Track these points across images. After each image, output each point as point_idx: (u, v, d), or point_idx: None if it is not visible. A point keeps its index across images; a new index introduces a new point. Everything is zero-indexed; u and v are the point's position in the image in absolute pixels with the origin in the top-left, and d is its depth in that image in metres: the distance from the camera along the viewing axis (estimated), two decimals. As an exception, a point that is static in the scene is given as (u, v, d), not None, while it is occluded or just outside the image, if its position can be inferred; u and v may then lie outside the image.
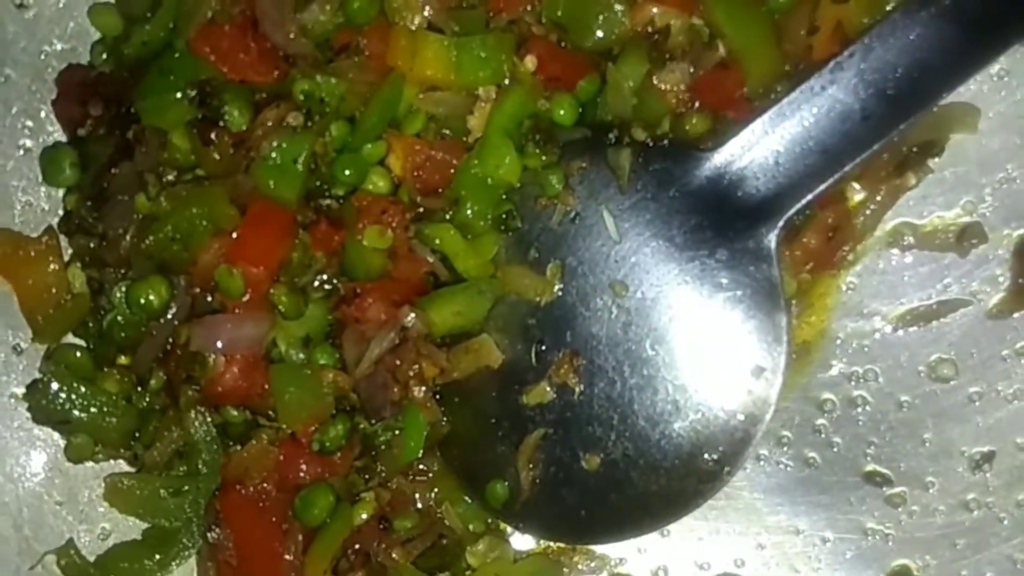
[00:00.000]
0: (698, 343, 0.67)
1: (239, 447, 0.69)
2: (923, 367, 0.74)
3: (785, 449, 0.75)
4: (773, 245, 0.66)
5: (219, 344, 0.67)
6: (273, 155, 0.67)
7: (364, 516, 0.69)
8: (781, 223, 0.66)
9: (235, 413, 0.69)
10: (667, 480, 0.68)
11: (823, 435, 0.74)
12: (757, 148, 0.67)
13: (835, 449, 0.74)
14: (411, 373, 0.69)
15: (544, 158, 0.69)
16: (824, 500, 0.74)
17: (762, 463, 0.75)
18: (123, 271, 0.70)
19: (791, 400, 0.74)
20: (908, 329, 0.74)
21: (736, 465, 0.67)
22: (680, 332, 0.67)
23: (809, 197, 0.66)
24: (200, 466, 0.69)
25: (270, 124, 0.68)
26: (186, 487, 0.69)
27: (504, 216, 0.70)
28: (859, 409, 0.74)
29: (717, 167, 0.67)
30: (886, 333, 0.74)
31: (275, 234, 0.68)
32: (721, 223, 0.67)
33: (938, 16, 0.64)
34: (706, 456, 0.67)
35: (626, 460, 0.68)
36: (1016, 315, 0.72)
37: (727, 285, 0.67)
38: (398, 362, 0.69)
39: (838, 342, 0.74)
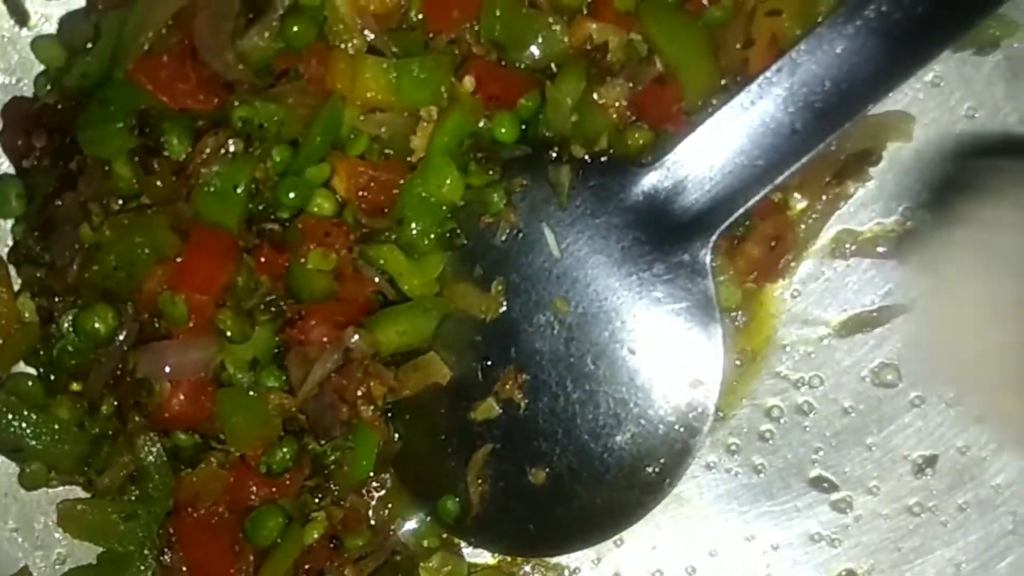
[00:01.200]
0: (638, 357, 0.68)
1: (190, 470, 0.70)
2: (867, 373, 0.74)
3: (734, 456, 0.75)
4: (708, 259, 0.67)
5: (166, 369, 0.68)
6: (213, 182, 0.68)
7: (316, 535, 0.70)
8: (715, 236, 0.67)
9: (184, 437, 0.69)
10: (611, 492, 0.68)
11: (771, 441, 0.75)
12: (690, 163, 0.67)
13: (783, 455, 0.75)
14: (359, 393, 0.70)
15: (487, 175, 0.70)
16: (773, 507, 0.75)
17: (712, 471, 0.75)
18: (71, 299, 0.71)
19: (739, 407, 0.75)
20: (852, 336, 0.75)
21: (677, 476, 0.68)
22: (620, 346, 0.68)
23: (741, 211, 0.67)
24: (151, 490, 0.70)
25: (209, 151, 0.68)
26: (139, 511, 0.70)
27: (448, 235, 0.71)
28: (805, 415, 0.75)
29: (653, 183, 0.68)
30: (831, 340, 0.75)
31: (218, 260, 0.68)
32: (658, 237, 0.68)
33: (864, 28, 0.65)
34: (648, 468, 0.68)
35: (571, 473, 0.69)
36: (955, 320, 0.73)
37: (664, 299, 0.68)
38: (345, 382, 0.70)
39: (784, 349, 0.75)
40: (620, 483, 0.68)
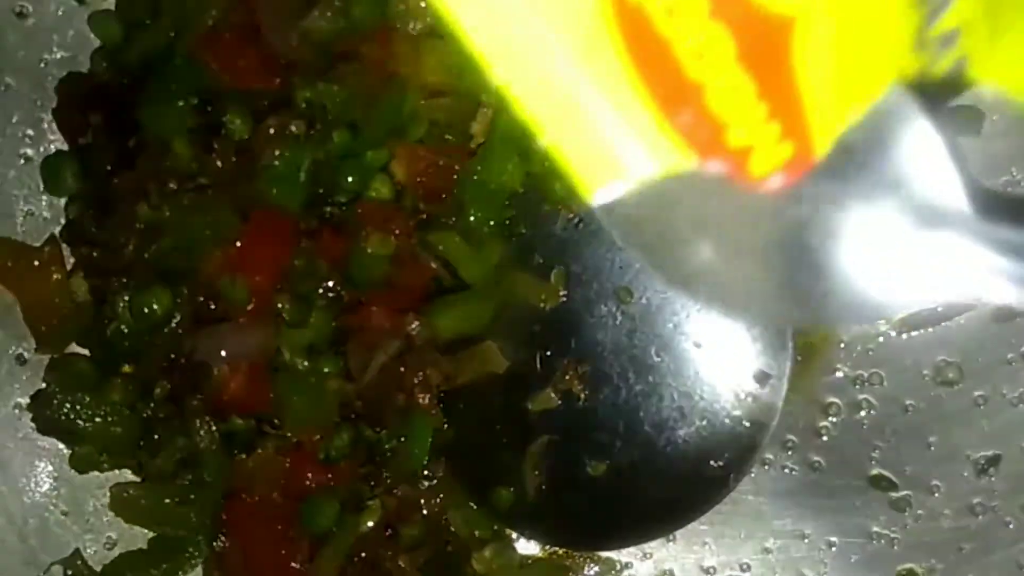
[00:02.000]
0: (703, 349, 0.67)
1: (244, 456, 0.69)
2: (928, 371, 0.74)
3: (790, 453, 0.75)
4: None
5: (223, 353, 0.67)
6: (276, 163, 0.67)
7: (370, 523, 0.69)
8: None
9: (240, 422, 0.68)
10: (673, 487, 0.68)
11: (828, 439, 0.74)
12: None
13: (840, 453, 0.74)
14: (416, 380, 0.69)
15: (547, 164, 0.69)
16: (829, 504, 0.74)
17: (767, 467, 0.75)
18: (126, 280, 0.70)
19: (796, 404, 0.74)
20: (912, 333, 0.74)
21: (742, 472, 0.67)
22: (684, 338, 0.67)
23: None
24: (206, 475, 0.69)
25: (272, 132, 0.67)
26: (192, 496, 0.69)
27: (508, 222, 0.70)
28: (864, 413, 0.74)
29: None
30: (891, 337, 0.74)
31: (278, 242, 0.67)
32: (726, 228, 0.67)
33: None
34: (712, 463, 0.67)
35: (632, 467, 0.68)
36: (1020, 319, 0.72)
37: (732, 291, 0.67)
38: (402, 369, 0.69)
39: (842, 346, 0.74)
40: (683, 478, 0.67)
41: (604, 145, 0.38)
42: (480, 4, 0.37)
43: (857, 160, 0.43)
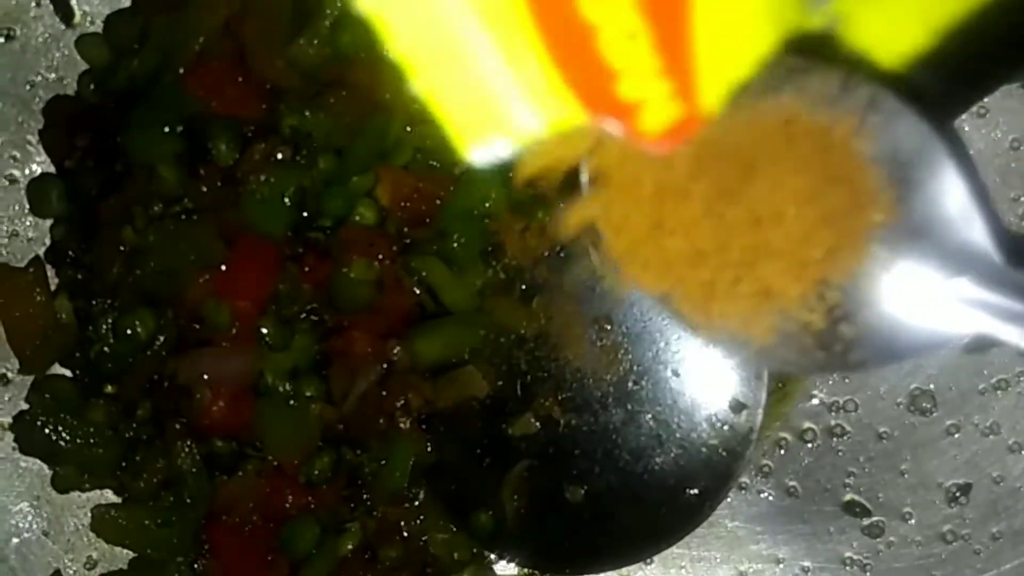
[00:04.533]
0: (680, 378, 0.68)
1: (226, 478, 0.69)
2: (902, 399, 0.75)
3: (767, 478, 0.76)
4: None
5: (206, 377, 0.67)
6: (261, 189, 0.67)
7: (350, 547, 0.70)
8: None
9: (222, 444, 0.69)
10: (650, 513, 0.69)
11: (804, 464, 0.76)
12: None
13: (815, 479, 0.75)
14: (398, 405, 0.70)
15: (530, 190, 0.70)
16: (804, 529, 0.75)
17: (744, 492, 0.76)
18: (110, 302, 0.70)
19: (773, 429, 0.75)
20: (887, 361, 0.75)
21: (718, 499, 0.68)
22: (662, 367, 0.68)
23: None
24: (187, 496, 0.69)
25: (258, 158, 0.68)
26: (173, 517, 0.69)
27: (490, 248, 0.71)
28: (839, 439, 0.75)
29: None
30: (866, 365, 0.75)
31: (263, 268, 0.68)
32: (704, 259, 0.68)
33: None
34: (688, 491, 0.68)
35: (609, 493, 0.69)
36: (993, 350, 0.73)
37: (709, 321, 0.68)
38: (384, 393, 0.70)
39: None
40: (660, 505, 0.68)
41: (488, 95, 0.36)
42: None
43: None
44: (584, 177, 0.48)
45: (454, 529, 0.72)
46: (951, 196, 0.44)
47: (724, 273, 0.45)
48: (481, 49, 0.35)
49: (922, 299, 0.44)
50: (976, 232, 0.44)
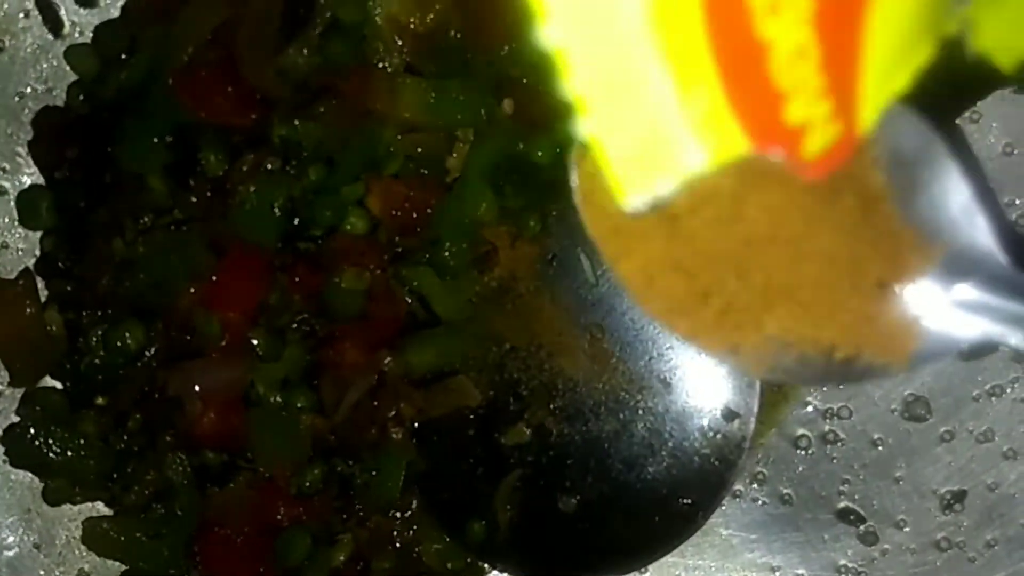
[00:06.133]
0: (672, 387, 0.68)
1: (217, 489, 0.69)
2: (896, 405, 0.75)
3: (762, 485, 0.75)
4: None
5: (196, 388, 0.67)
6: (251, 199, 0.67)
7: (342, 558, 0.70)
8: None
9: (213, 456, 0.69)
10: (643, 523, 0.68)
11: (798, 472, 0.75)
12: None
13: (810, 486, 0.75)
14: (389, 415, 0.70)
15: (522, 199, 0.70)
16: (799, 537, 0.75)
17: (739, 499, 0.75)
18: (100, 313, 0.70)
19: (768, 436, 0.75)
20: (881, 367, 0.75)
21: (711, 508, 0.68)
22: (655, 376, 0.68)
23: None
24: (178, 508, 0.69)
25: (247, 168, 0.68)
26: (164, 529, 0.69)
27: (482, 257, 0.71)
28: (833, 446, 0.75)
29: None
30: (860, 371, 0.75)
31: (253, 278, 0.68)
32: (696, 267, 0.68)
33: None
34: (681, 500, 0.68)
35: (602, 502, 0.69)
36: (987, 357, 0.73)
37: (702, 330, 0.67)
38: (376, 403, 0.69)
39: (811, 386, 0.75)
40: (652, 514, 0.68)
41: (656, 131, 0.34)
42: None
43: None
44: (574, 180, 0.47)
45: (447, 539, 0.72)
46: (954, 197, 0.43)
47: (741, 314, 0.44)
48: (655, 78, 0.33)
49: (926, 305, 0.43)
50: (980, 233, 0.42)
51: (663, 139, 0.34)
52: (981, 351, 0.73)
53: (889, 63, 0.36)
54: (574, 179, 0.48)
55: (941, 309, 0.43)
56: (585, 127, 0.34)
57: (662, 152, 0.34)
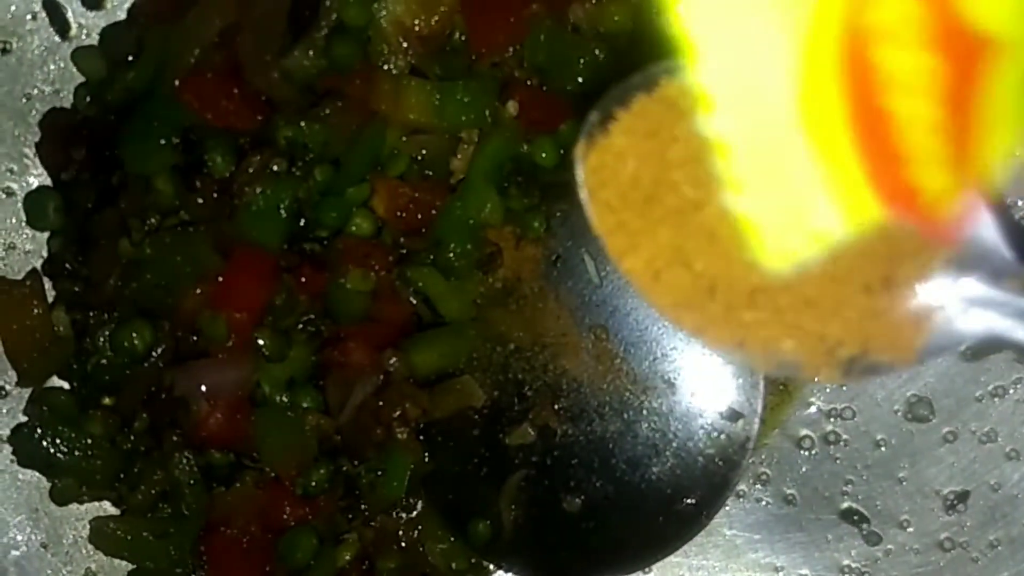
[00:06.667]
0: (677, 388, 0.68)
1: (224, 489, 0.69)
2: (900, 406, 0.75)
3: (765, 486, 0.76)
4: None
5: (203, 388, 0.68)
6: (257, 201, 0.67)
7: (348, 557, 0.70)
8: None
9: (219, 456, 0.69)
10: (646, 523, 0.68)
11: (802, 472, 0.76)
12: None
13: (813, 486, 0.75)
14: (394, 415, 0.70)
15: (526, 200, 0.70)
16: (802, 538, 0.75)
17: (742, 500, 0.76)
18: (107, 314, 0.70)
19: (772, 437, 0.75)
20: (885, 368, 0.75)
21: (715, 508, 0.68)
22: (659, 376, 0.68)
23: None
24: (185, 508, 0.69)
25: (253, 170, 0.68)
26: (171, 529, 0.70)
27: (486, 258, 0.71)
28: (837, 447, 0.75)
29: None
30: (863, 372, 0.75)
31: (259, 279, 0.68)
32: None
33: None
34: (685, 501, 0.68)
35: (606, 503, 0.69)
36: (989, 357, 0.73)
37: (705, 331, 0.68)
38: (381, 404, 0.70)
39: (817, 380, 0.76)
40: (656, 515, 0.68)
41: (798, 199, 0.37)
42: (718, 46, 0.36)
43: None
44: (579, 175, 0.48)
45: (452, 539, 0.72)
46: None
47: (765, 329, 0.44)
48: (799, 149, 0.36)
49: (931, 300, 0.43)
50: (984, 227, 0.42)
51: (805, 206, 0.37)
52: (985, 350, 0.74)
53: (1007, 128, 0.37)
54: (579, 175, 0.48)
55: (947, 304, 0.43)
56: (738, 205, 0.38)
57: (803, 218, 0.37)
